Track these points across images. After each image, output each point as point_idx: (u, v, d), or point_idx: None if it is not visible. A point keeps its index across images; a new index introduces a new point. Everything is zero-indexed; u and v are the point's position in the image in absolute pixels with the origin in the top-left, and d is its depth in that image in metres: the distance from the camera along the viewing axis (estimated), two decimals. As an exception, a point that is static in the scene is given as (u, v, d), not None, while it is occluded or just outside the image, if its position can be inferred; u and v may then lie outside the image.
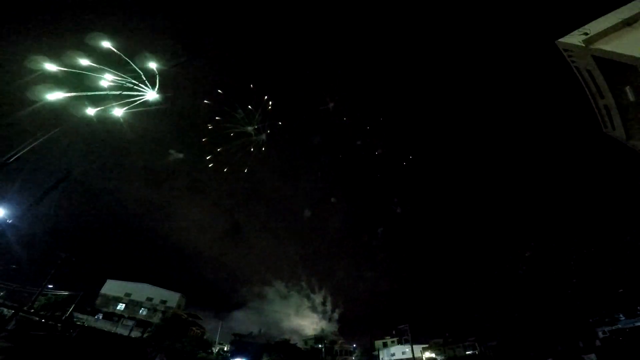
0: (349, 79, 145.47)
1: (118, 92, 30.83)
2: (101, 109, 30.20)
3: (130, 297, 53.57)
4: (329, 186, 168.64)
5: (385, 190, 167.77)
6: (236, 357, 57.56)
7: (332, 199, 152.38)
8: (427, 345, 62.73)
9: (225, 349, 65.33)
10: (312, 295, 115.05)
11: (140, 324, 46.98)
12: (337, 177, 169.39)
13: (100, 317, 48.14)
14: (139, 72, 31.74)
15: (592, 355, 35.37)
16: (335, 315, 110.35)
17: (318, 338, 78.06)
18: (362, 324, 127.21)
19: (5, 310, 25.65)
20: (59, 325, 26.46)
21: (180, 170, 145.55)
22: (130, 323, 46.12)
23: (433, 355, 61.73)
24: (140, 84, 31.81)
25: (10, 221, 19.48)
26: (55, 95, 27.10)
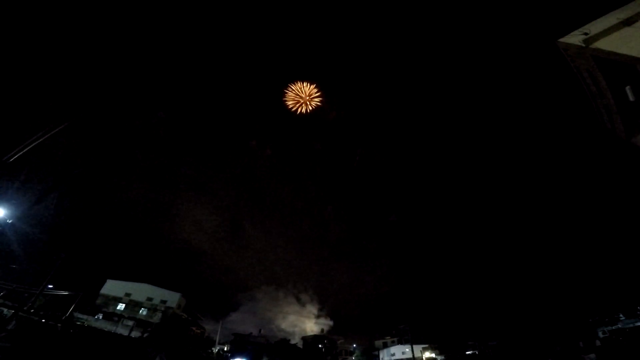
0: (345, 81, 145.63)
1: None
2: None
3: (130, 297, 53.52)
4: (329, 191, 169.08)
5: (384, 196, 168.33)
6: (236, 357, 57.59)
7: (329, 207, 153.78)
8: (427, 345, 62.73)
9: (225, 349, 65.36)
10: (311, 296, 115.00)
11: (140, 324, 46.94)
12: (336, 182, 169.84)
13: (100, 317, 48.09)
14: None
15: (592, 355, 35.35)
16: (335, 315, 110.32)
17: (318, 338, 78.08)
18: (362, 323, 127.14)
19: (5, 310, 25.62)
20: (59, 325, 26.45)
21: (182, 171, 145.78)
22: (130, 323, 46.06)
23: (433, 355, 61.73)
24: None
25: (10, 221, 19.46)
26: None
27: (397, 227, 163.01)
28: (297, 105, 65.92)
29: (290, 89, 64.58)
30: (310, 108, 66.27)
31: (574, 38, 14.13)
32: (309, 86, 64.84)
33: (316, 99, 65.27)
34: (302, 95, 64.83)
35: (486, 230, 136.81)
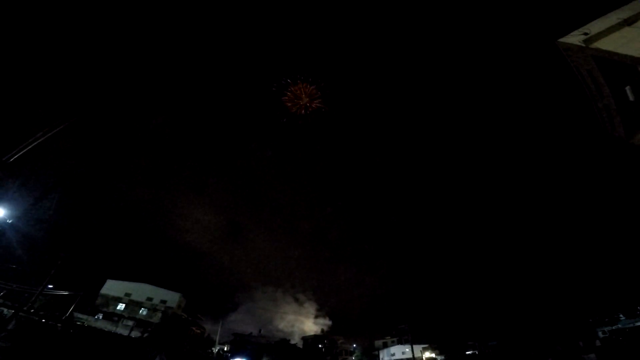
0: (344, 82, 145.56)
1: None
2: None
3: (130, 297, 53.48)
4: (329, 192, 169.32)
5: (384, 197, 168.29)
6: (236, 357, 57.59)
7: (329, 209, 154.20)
8: (427, 345, 62.73)
9: (225, 349, 65.36)
10: (311, 296, 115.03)
11: (140, 324, 46.94)
12: (337, 183, 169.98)
13: (100, 317, 48.08)
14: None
15: (592, 355, 35.34)
16: (335, 315, 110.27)
17: (318, 338, 78.07)
18: (362, 323, 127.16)
19: (5, 310, 25.61)
20: (59, 325, 26.45)
21: (182, 172, 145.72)
22: (130, 323, 46.06)
23: (433, 355, 61.72)
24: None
25: (10, 221, 19.46)
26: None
27: (397, 228, 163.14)
28: (297, 106, 65.54)
29: (290, 90, 64.21)
30: (310, 109, 65.89)
31: (574, 38, 14.12)
32: (308, 87, 64.57)
33: (317, 101, 64.92)
34: (302, 97, 64.54)
35: (486, 231, 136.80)
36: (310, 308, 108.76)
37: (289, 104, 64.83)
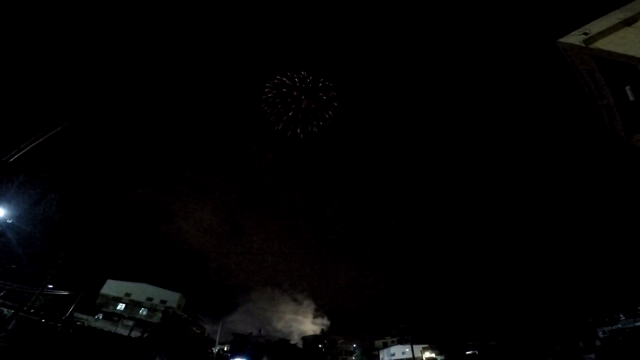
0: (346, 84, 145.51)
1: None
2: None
3: (130, 297, 53.46)
4: (329, 195, 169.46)
5: (383, 199, 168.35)
6: (236, 357, 57.59)
7: (329, 210, 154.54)
8: (427, 345, 62.71)
9: (225, 349, 65.35)
10: (312, 296, 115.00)
11: (140, 324, 46.91)
12: (337, 187, 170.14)
13: (100, 317, 48.05)
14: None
15: (592, 355, 35.34)
16: (336, 316, 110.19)
17: (318, 338, 78.05)
18: (362, 323, 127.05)
19: (5, 310, 25.61)
20: (59, 325, 26.45)
21: (183, 172, 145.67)
22: (130, 323, 46.03)
23: (433, 355, 61.69)
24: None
25: (10, 221, 19.45)
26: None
27: (397, 229, 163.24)
28: (294, 109, 64.01)
29: (286, 91, 62.70)
30: (311, 114, 64.59)
31: (574, 38, 14.11)
32: (309, 87, 63.51)
33: (319, 105, 63.49)
34: (302, 98, 63.48)
35: (486, 231, 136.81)
36: (310, 308, 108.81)
37: (286, 108, 63.08)
